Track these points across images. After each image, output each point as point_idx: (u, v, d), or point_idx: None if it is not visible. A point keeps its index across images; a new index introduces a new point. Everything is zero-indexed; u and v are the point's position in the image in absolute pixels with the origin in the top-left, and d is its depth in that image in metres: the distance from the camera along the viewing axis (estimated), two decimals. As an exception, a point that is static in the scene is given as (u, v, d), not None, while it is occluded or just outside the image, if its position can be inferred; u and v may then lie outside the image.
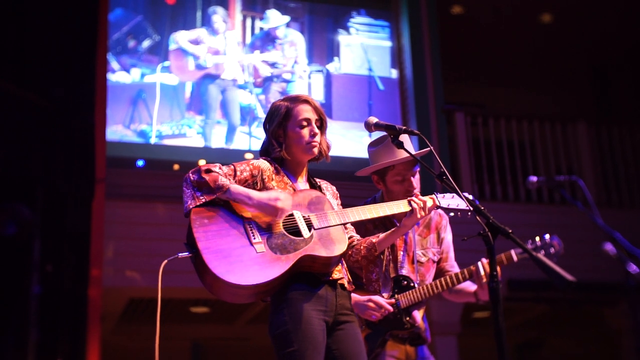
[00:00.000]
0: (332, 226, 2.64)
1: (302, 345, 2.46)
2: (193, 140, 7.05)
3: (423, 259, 3.27)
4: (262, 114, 7.33)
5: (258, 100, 7.37)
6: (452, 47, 8.88)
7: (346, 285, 2.68)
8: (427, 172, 2.69)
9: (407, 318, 3.18)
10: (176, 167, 7.22)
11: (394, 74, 7.90)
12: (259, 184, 2.65)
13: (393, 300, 3.16)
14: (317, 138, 2.74)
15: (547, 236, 3.32)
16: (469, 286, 3.30)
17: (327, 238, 2.60)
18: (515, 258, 3.24)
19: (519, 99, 9.92)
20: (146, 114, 6.92)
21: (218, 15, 7.43)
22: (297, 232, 2.58)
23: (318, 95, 7.47)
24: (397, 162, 3.13)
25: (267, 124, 2.78)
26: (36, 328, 4.96)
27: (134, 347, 8.89)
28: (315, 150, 2.74)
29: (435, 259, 3.32)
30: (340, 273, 2.67)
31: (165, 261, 2.53)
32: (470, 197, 2.83)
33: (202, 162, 7.19)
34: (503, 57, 9.70)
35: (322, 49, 7.77)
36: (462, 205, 2.90)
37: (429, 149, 2.68)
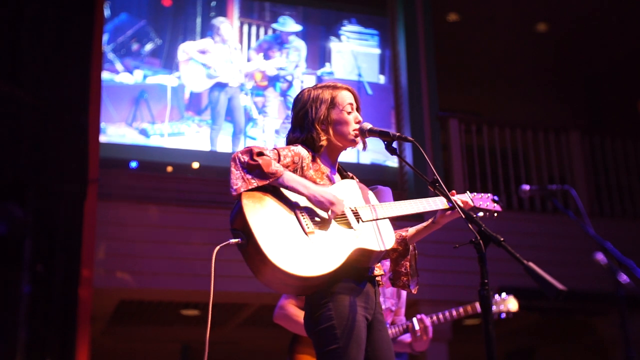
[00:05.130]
0: (381, 219, 2.55)
1: (346, 342, 2.35)
2: (191, 140, 7.25)
3: (382, 307, 3.27)
4: (256, 115, 7.45)
5: (253, 102, 7.54)
6: (447, 54, 8.90)
7: (382, 282, 2.64)
8: (419, 178, 2.70)
9: None
10: (169, 169, 7.24)
11: (382, 79, 8.06)
12: (298, 172, 2.51)
13: None
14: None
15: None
16: (405, 338, 3.49)
17: (377, 231, 2.52)
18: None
19: (513, 107, 9.94)
20: (147, 113, 7.20)
21: (226, 24, 7.66)
22: (346, 224, 2.49)
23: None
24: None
25: (311, 111, 2.62)
26: (26, 328, 4.94)
27: (124, 349, 8.87)
28: (358, 139, 2.66)
29: (393, 309, 3.47)
30: (380, 269, 2.61)
31: (218, 247, 2.34)
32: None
33: (195, 165, 7.28)
34: (498, 66, 9.73)
35: (315, 54, 8.02)
36: (491, 206, 2.89)
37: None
